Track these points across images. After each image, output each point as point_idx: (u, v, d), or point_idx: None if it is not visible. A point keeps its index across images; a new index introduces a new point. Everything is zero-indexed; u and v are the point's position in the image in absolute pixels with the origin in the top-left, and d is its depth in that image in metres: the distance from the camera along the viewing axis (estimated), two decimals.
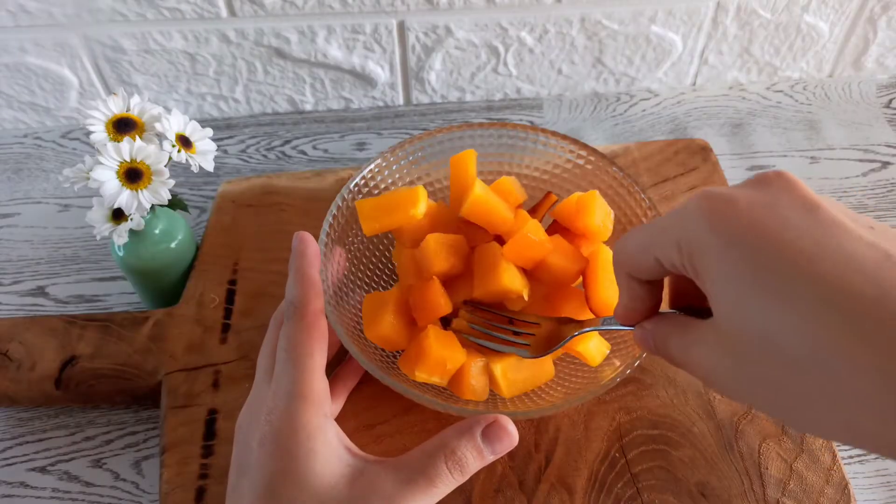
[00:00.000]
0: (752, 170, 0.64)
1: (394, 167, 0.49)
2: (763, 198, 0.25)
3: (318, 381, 0.36)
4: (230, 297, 0.51)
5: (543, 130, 0.49)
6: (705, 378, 0.29)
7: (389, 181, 0.49)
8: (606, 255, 0.43)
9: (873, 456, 0.47)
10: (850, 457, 0.47)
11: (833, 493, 0.42)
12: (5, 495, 0.46)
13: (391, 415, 0.44)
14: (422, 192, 0.44)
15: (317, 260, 0.41)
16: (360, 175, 0.47)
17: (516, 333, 0.42)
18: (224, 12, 0.61)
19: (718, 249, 0.25)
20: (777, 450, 0.43)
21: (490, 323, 0.43)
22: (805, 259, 0.23)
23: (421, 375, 0.40)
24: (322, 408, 0.36)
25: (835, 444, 0.44)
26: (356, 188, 0.47)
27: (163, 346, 0.48)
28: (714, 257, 0.25)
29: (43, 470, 0.47)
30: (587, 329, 0.40)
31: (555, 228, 0.47)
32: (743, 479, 0.42)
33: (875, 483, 0.46)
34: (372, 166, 0.48)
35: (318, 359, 0.37)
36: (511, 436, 0.36)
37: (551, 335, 0.41)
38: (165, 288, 0.52)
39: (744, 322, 0.25)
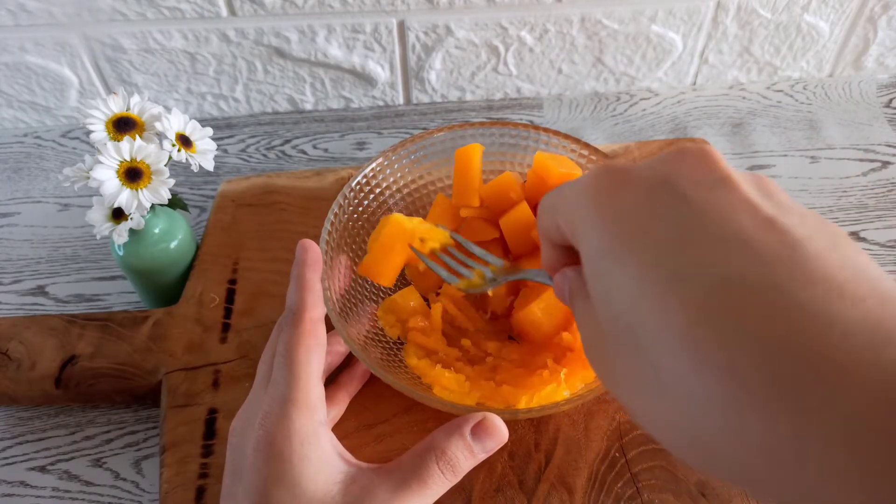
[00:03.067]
0: (753, 169, 0.64)
1: (395, 166, 0.49)
2: (662, 173, 0.23)
3: (313, 387, 0.36)
4: (230, 296, 0.51)
5: (546, 130, 0.49)
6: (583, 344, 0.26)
7: (391, 180, 0.49)
8: None
9: None
10: None
11: None
12: (5, 494, 0.46)
13: (391, 414, 0.44)
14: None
15: (317, 265, 0.41)
16: (362, 174, 0.47)
17: (469, 265, 0.42)
18: (224, 11, 0.61)
19: (594, 225, 0.23)
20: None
21: (453, 253, 0.43)
22: (675, 239, 0.21)
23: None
24: (316, 414, 0.36)
25: None
26: (357, 186, 0.47)
27: (163, 345, 0.48)
28: (589, 232, 0.24)
29: (43, 469, 0.47)
30: (518, 277, 0.40)
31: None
32: None
33: None
34: (374, 165, 0.48)
35: (315, 365, 0.37)
36: (500, 432, 0.36)
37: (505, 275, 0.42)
38: (165, 287, 0.52)
39: (604, 300, 0.23)
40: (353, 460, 0.36)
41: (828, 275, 0.18)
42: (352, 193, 0.47)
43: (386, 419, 0.44)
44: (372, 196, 0.49)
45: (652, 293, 0.20)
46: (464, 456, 0.35)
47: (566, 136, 0.48)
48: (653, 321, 0.20)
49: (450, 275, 0.42)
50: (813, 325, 0.17)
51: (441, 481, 0.34)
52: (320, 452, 0.34)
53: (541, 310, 0.43)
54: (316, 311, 0.39)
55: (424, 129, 0.68)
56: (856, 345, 0.17)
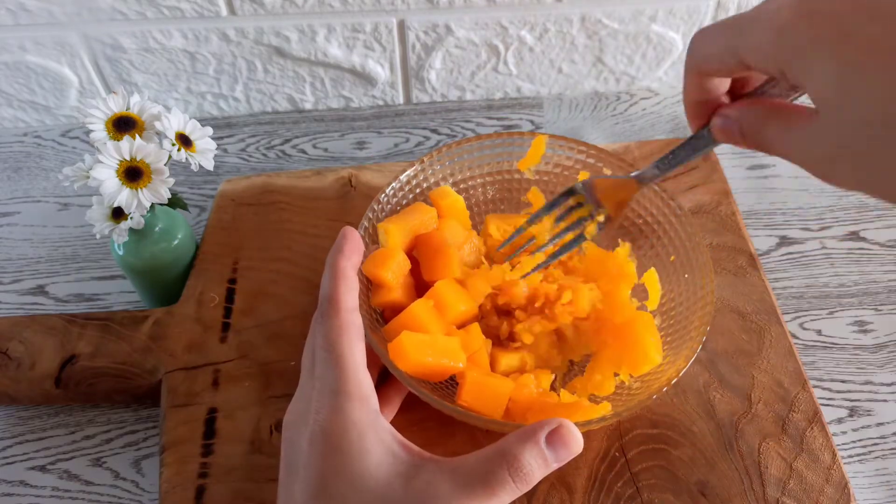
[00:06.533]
0: (753, 168, 0.64)
1: (437, 167, 0.49)
2: None
3: (362, 377, 0.35)
4: (230, 295, 0.51)
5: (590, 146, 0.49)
6: (812, 167, 0.28)
7: (432, 181, 0.49)
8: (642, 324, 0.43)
9: (874, 455, 0.47)
10: (850, 456, 0.47)
11: (833, 493, 0.42)
12: (5, 494, 0.46)
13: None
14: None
15: (354, 254, 0.39)
16: (406, 173, 0.47)
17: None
18: (224, 11, 0.61)
19: (826, 55, 0.25)
20: (777, 449, 0.43)
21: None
22: None
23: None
24: (369, 403, 0.35)
25: (835, 444, 0.44)
26: (398, 185, 0.47)
27: (163, 344, 0.48)
28: (824, 63, 0.25)
29: (43, 469, 0.47)
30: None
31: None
32: (743, 479, 0.42)
33: (875, 482, 0.46)
34: (413, 169, 0.48)
35: (358, 355, 0.36)
36: (577, 440, 0.34)
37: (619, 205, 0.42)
38: (165, 287, 0.52)
39: (854, 109, 0.25)
40: (415, 448, 0.35)
41: None
42: (386, 198, 0.47)
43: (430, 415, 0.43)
44: (412, 195, 0.48)
45: None
46: (537, 465, 0.33)
47: (576, 141, 0.49)
48: None
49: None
50: None
51: (511, 489, 0.32)
52: (380, 444, 0.33)
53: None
54: (350, 299, 0.37)
55: (425, 128, 0.68)
56: None
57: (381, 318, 0.45)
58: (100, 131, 0.44)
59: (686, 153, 0.36)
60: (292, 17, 0.62)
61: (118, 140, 0.44)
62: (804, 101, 0.30)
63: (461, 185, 0.51)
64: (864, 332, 0.53)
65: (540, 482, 0.42)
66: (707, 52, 0.31)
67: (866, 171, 0.26)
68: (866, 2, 0.25)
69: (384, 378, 0.43)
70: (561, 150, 0.49)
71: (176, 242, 0.50)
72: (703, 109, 0.33)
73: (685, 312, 0.44)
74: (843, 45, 0.25)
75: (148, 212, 0.46)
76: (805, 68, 0.26)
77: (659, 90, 0.71)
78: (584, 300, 0.44)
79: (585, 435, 0.43)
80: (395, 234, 0.44)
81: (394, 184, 0.47)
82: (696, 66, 0.32)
